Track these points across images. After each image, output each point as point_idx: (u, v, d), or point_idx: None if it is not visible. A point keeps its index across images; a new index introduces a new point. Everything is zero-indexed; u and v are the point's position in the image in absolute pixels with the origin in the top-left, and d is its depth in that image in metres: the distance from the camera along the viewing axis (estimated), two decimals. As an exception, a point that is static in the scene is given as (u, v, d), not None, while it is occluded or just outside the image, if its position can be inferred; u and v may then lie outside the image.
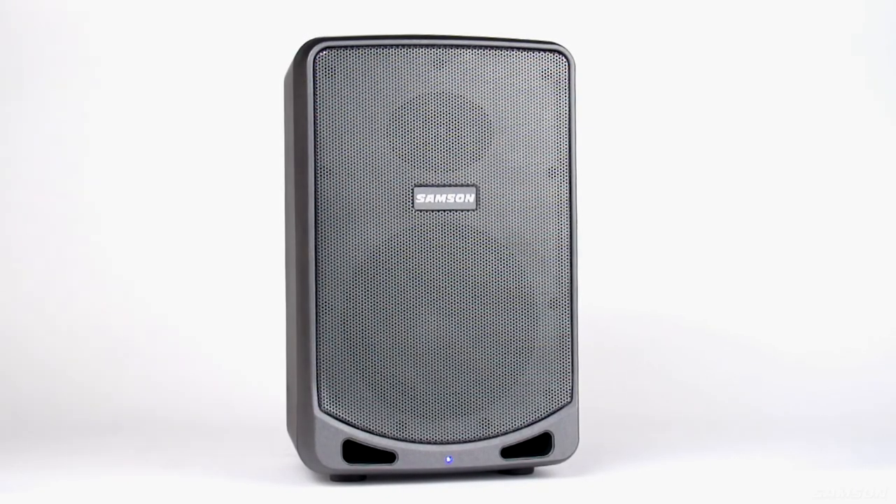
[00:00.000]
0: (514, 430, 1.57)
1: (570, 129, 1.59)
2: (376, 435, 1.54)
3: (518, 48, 1.57)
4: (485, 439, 1.56)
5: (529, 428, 1.57)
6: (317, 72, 1.53)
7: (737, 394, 2.20)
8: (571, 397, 1.59)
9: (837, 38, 2.45)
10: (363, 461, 1.54)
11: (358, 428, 1.54)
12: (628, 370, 2.27)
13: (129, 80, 2.38)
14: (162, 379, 2.24)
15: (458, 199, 1.55)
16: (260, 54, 2.33)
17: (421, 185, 1.55)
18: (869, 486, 1.54)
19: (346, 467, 1.54)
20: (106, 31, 2.38)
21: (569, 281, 1.58)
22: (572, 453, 1.59)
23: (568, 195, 1.58)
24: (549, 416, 1.58)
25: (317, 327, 1.53)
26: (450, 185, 1.55)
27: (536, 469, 1.62)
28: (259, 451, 1.83)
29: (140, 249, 2.36)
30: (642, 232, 2.39)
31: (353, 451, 1.54)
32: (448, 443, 1.55)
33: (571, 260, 1.59)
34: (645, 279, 2.37)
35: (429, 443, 1.55)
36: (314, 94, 1.53)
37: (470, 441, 1.56)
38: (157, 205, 2.37)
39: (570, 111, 1.59)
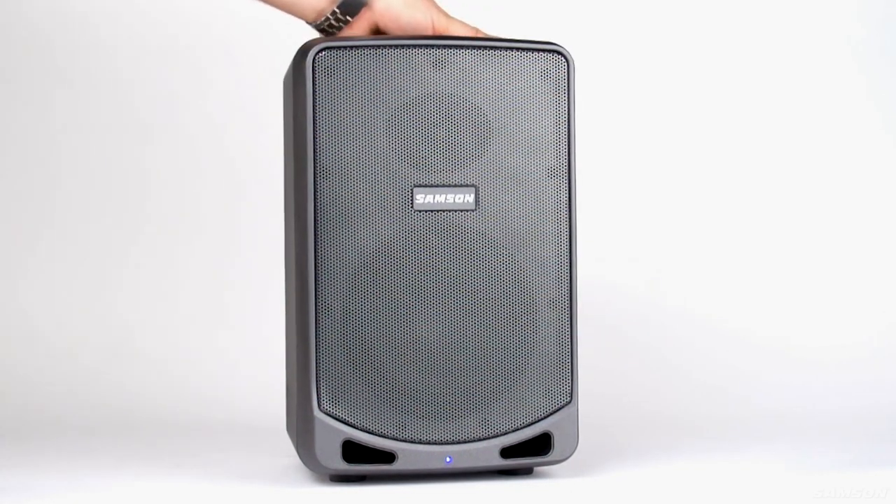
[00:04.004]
0: (513, 431, 1.57)
1: (569, 129, 1.58)
2: (376, 435, 1.54)
3: (517, 48, 1.57)
4: (484, 439, 1.56)
5: (529, 428, 1.57)
6: (316, 72, 1.53)
7: (738, 391, 2.20)
8: (571, 397, 1.59)
9: (833, 38, 2.45)
10: (363, 461, 1.54)
11: (357, 428, 1.54)
12: (629, 369, 2.27)
13: (127, 80, 2.38)
14: (162, 379, 2.24)
15: (457, 200, 1.55)
16: (259, 55, 2.33)
17: (420, 186, 1.54)
18: (868, 486, 1.54)
19: (345, 467, 1.54)
20: (104, 31, 2.38)
21: (568, 281, 1.58)
22: (572, 453, 1.59)
23: (567, 195, 1.58)
24: (548, 416, 1.58)
25: (316, 328, 1.53)
26: (449, 186, 1.55)
27: (536, 469, 1.62)
28: (259, 452, 1.83)
29: (140, 249, 2.36)
30: (643, 231, 2.39)
31: (352, 451, 1.54)
32: (448, 443, 1.55)
33: (571, 260, 1.59)
34: (645, 277, 2.37)
35: (428, 443, 1.55)
36: (313, 95, 1.53)
37: (469, 441, 1.56)
38: (158, 206, 2.37)
39: (569, 111, 1.58)
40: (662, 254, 2.39)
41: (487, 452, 1.56)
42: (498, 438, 1.56)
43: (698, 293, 2.36)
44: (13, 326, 2.30)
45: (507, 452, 1.57)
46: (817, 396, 2.18)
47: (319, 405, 1.53)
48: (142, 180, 2.37)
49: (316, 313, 1.53)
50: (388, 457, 1.54)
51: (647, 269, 2.38)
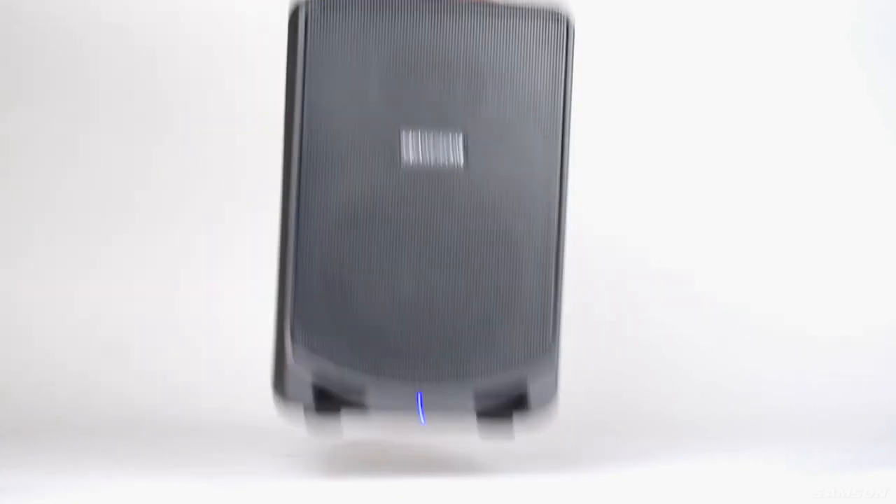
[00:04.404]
0: (489, 374, 1.56)
1: (565, 92, 1.58)
2: (348, 369, 1.53)
3: (517, 9, 1.57)
4: (459, 380, 1.55)
5: (505, 373, 1.56)
6: (308, 26, 1.53)
7: (737, 389, 2.20)
8: (551, 348, 1.58)
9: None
10: (336, 405, 1.54)
11: (331, 361, 1.53)
12: (627, 367, 2.26)
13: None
14: (162, 379, 2.23)
15: (446, 157, 1.55)
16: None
17: (409, 141, 1.54)
18: (868, 486, 1.54)
19: (316, 402, 1.53)
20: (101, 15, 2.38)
21: (556, 236, 1.58)
22: (550, 402, 1.58)
23: (560, 159, 1.58)
24: (526, 363, 1.57)
25: (294, 265, 1.53)
26: (438, 142, 1.55)
27: (519, 438, 1.62)
28: (260, 452, 1.83)
29: (140, 248, 2.35)
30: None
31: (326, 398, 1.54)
32: (421, 380, 1.55)
33: (560, 220, 1.58)
34: (641, 274, 2.36)
35: (402, 378, 1.54)
36: (305, 50, 1.52)
37: (444, 381, 1.55)
38: (159, 203, 2.37)
39: (566, 74, 1.58)
40: (659, 250, 2.38)
41: (460, 393, 1.55)
42: (472, 379, 1.55)
43: (696, 289, 2.36)
44: (13, 326, 2.30)
45: (481, 396, 1.56)
46: (817, 395, 2.17)
47: (293, 339, 1.53)
48: (141, 178, 2.37)
49: (295, 251, 1.53)
50: (361, 403, 1.53)
51: (644, 266, 2.37)
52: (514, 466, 1.68)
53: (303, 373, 1.53)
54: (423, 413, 1.55)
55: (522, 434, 1.63)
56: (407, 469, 1.65)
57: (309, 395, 1.53)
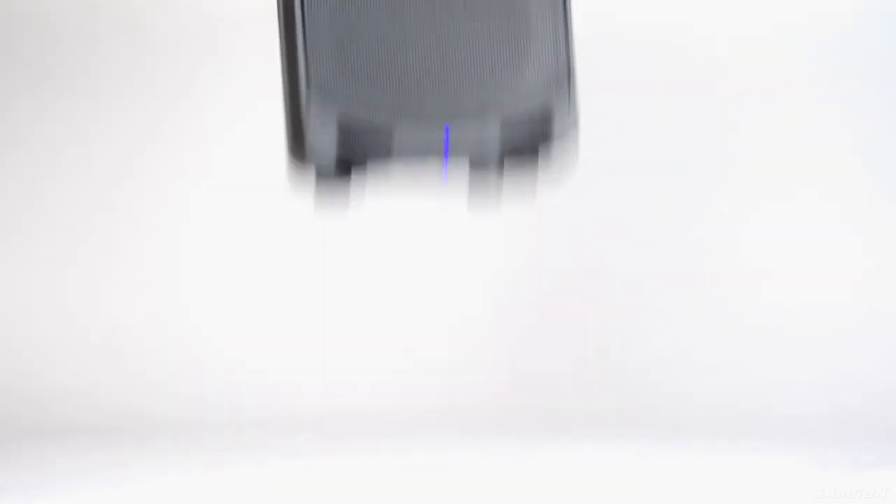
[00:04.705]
0: (514, 102, 1.53)
1: None
2: (372, 110, 1.50)
3: None
4: (485, 110, 1.52)
5: (530, 99, 1.53)
6: None
7: (737, 389, 2.20)
8: (569, 74, 1.55)
9: None
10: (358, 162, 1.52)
11: (352, 103, 1.49)
12: (626, 367, 2.27)
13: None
14: (163, 377, 2.24)
15: None
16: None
17: None
18: (868, 486, 1.54)
19: (341, 153, 1.49)
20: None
21: None
22: (573, 133, 1.56)
23: None
24: (547, 88, 1.54)
25: (302, 26, 1.49)
26: None
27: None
28: (263, 453, 1.83)
29: (140, 244, 2.35)
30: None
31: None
32: (448, 116, 1.52)
33: None
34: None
35: (427, 115, 1.51)
36: None
37: (470, 113, 1.52)
38: (156, 199, 2.37)
39: None
40: (653, 249, 2.38)
41: (488, 124, 1.53)
42: (498, 108, 1.52)
43: (690, 286, 2.35)
44: (13, 326, 2.30)
45: (507, 126, 1.54)
46: (817, 395, 2.17)
47: (309, 87, 1.49)
48: (141, 177, 2.37)
49: (301, 12, 1.49)
50: (385, 148, 1.51)
51: (637, 266, 2.37)
52: (513, 464, 1.68)
53: (322, 124, 1.48)
54: (447, 158, 1.53)
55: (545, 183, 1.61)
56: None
57: (331, 151, 1.48)
